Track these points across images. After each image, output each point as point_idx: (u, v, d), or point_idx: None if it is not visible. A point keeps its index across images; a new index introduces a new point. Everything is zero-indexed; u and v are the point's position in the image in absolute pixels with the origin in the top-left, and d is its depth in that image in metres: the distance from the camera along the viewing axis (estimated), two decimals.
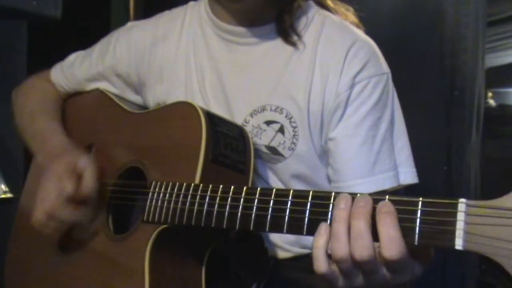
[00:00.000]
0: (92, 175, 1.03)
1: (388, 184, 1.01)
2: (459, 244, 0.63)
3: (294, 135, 1.05)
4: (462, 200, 0.64)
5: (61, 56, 1.35)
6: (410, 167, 1.06)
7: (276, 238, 1.11)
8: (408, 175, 1.05)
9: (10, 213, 1.31)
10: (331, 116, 1.03)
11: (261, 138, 1.06)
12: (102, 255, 1.04)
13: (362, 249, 0.66)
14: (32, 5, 1.52)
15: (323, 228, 0.71)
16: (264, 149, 1.07)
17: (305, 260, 1.12)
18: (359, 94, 1.02)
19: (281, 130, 1.05)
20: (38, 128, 1.20)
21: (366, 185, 1.00)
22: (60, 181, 1.00)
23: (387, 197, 0.68)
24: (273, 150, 1.06)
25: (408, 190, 1.07)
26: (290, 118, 1.05)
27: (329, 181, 1.08)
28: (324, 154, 1.07)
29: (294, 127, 1.05)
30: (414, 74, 1.72)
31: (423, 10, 1.82)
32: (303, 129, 1.05)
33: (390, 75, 1.06)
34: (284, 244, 1.12)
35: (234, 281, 1.05)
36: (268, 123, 1.06)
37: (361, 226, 0.67)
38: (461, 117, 1.80)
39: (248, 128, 1.07)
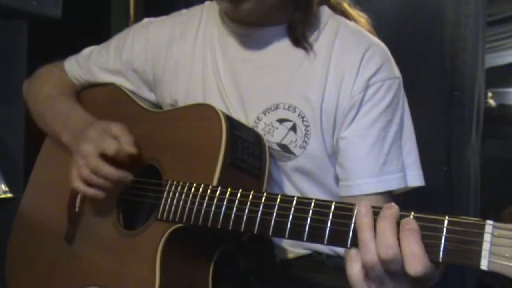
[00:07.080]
0: (130, 138, 1.04)
1: (395, 185, 1.03)
2: (484, 265, 0.63)
3: (306, 134, 1.06)
4: (489, 222, 0.65)
5: (61, 56, 1.35)
6: (418, 169, 1.08)
7: (278, 239, 1.11)
8: (416, 178, 1.07)
9: (10, 213, 1.31)
10: (344, 116, 1.04)
11: (273, 135, 1.07)
12: (112, 249, 1.04)
13: (387, 247, 0.67)
14: (32, 5, 1.52)
15: (353, 253, 0.72)
16: (276, 147, 1.08)
17: (308, 260, 1.13)
18: (373, 96, 1.03)
19: (293, 128, 1.06)
20: (59, 109, 1.20)
21: (375, 185, 1.01)
22: (100, 141, 1.02)
23: (412, 213, 0.69)
24: (285, 148, 1.07)
25: (409, 190, 1.07)
26: (303, 117, 1.06)
27: (337, 181, 1.09)
28: (334, 154, 1.08)
29: (306, 126, 1.06)
30: (414, 74, 1.71)
31: (423, 10, 1.82)
32: (315, 128, 1.06)
33: (401, 80, 1.08)
34: (287, 246, 1.12)
35: (241, 283, 1.06)
36: (281, 121, 1.07)
37: (387, 225, 0.68)
38: (461, 117, 1.80)
39: (260, 126, 1.08)
